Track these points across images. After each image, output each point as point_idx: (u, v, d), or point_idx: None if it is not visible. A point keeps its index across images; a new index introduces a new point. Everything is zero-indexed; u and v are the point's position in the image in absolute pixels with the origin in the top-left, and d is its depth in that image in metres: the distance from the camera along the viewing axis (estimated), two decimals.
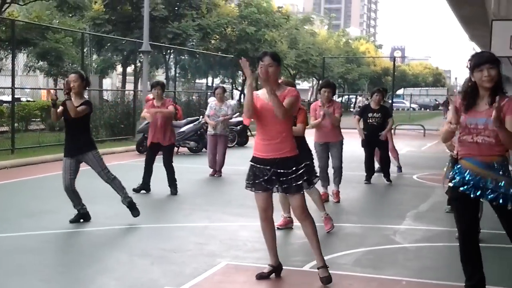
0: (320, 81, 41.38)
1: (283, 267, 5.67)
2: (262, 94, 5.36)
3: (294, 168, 5.26)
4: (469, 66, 4.67)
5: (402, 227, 7.94)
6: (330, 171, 9.63)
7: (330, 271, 5.41)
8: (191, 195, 10.04)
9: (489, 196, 4.56)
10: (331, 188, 9.63)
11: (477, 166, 4.60)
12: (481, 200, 4.72)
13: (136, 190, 9.85)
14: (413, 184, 12.12)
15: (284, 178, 5.26)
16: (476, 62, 4.60)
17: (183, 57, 38.30)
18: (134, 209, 7.79)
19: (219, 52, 35.49)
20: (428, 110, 72.38)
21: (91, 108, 7.63)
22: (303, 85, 71.33)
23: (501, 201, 4.52)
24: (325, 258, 6.06)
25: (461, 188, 4.63)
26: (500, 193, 4.52)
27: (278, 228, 6.68)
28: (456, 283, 5.27)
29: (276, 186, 5.32)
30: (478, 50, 45.99)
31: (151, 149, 10.22)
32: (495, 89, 4.59)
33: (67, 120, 7.54)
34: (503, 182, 4.53)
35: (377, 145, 11.87)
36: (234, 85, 45.37)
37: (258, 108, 5.29)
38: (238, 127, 18.56)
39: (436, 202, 9.83)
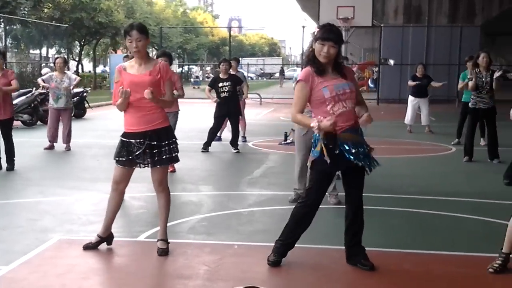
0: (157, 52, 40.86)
1: (121, 238, 5.68)
2: (130, 68, 5.30)
3: (166, 142, 5.31)
4: (315, 34, 4.86)
5: (236, 193, 8.20)
6: None
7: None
8: (24, 170, 9.66)
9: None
10: None
11: (351, 134, 4.81)
12: None
13: None
14: (248, 151, 12.47)
15: (156, 151, 5.26)
16: (321, 36, 4.78)
17: (14, 27, 36.35)
18: None
19: (53, 21, 34.04)
20: (264, 79, 74.22)
21: None
22: None
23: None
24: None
25: (351, 158, 4.80)
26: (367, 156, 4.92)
27: None
28: None
29: (148, 159, 5.29)
30: (310, 20, 47.76)
31: None
32: (337, 65, 4.86)
33: None
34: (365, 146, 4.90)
35: (228, 116, 12.06)
36: (71, 55, 43.85)
37: (127, 83, 5.21)
38: (75, 99, 18.03)
39: (269, 168, 10.23)
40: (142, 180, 8.89)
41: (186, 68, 63.67)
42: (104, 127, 16.47)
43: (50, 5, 36.09)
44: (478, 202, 7.72)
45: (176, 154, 5.43)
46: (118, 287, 4.73)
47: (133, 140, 5.26)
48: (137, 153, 5.26)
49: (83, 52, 49.86)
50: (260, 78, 75.69)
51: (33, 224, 6.40)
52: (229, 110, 11.95)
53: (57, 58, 12.67)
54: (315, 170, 4.97)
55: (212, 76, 13.87)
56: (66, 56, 35.97)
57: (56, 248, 5.60)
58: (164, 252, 5.36)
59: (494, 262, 4.99)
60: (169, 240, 5.54)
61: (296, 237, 5.14)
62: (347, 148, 4.77)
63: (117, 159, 5.35)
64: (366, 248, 5.11)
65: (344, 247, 5.15)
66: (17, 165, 9.73)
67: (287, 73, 64.03)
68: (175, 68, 63.05)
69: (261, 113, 22.68)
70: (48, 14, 35.93)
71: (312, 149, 4.91)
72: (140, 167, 5.39)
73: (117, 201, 5.52)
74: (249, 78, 62.45)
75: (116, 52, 47.58)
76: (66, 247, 5.61)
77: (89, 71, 51.48)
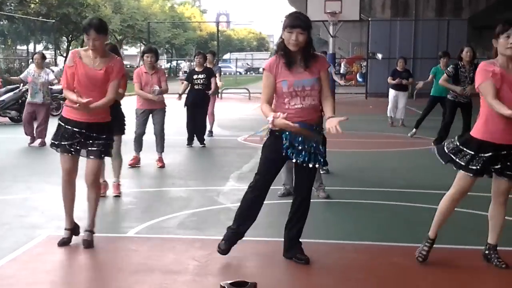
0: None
1: (110, 234, 5.69)
2: (85, 57, 5.28)
3: (104, 136, 5.33)
4: (283, 24, 4.80)
5: (225, 188, 8.19)
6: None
7: (155, 235, 5.50)
8: (11, 167, 9.62)
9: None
10: (148, 154, 9.69)
11: (302, 128, 4.77)
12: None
13: None
14: (237, 146, 12.48)
15: (91, 142, 5.28)
16: (289, 24, 4.73)
17: (1, 23, 36.13)
18: None
19: (40, 17, 33.86)
20: (253, 73, 74.16)
21: None
22: (130, 50, 70.06)
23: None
24: (151, 223, 6.20)
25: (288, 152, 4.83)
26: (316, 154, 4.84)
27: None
28: (273, 238, 5.65)
29: (83, 149, 5.30)
30: None
31: None
32: (306, 53, 4.79)
33: None
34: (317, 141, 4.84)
35: (195, 107, 12.00)
36: (58, 51, 43.62)
37: (80, 75, 5.21)
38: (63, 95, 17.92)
39: (258, 163, 10.21)
40: (130, 176, 8.92)
41: (174, 63, 63.50)
42: None
43: (37, 0, 35.93)
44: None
45: (110, 149, 5.48)
46: (107, 283, 4.71)
47: (72, 128, 5.26)
48: (73, 141, 5.27)
49: (70, 48, 49.58)
50: (248, 73, 75.59)
51: (21, 220, 6.37)
52: (195, 101, 11.91)
53: (35, 53, 12.65)
54: (263, 154, 5.05)
55: (215, 68, 13.80)
56: (54, 52, 35.94)
57: (44, 245, 5.57)
58: (88, 244, 5.38)
59: (421, 250, 5.02)
60: (158, 236, 5.55)
61: (247, 225, 5.12)
62: (292, 141, 4.78)
63: (53, 141, 5.36)
64: (359, 242, 5.13)
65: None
66: (3, 162, 9.68)
67: None
68: (164, 63, 62.99)
69: (249, 108, 22.68)
70: (35, 10, 35.76)
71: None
72: (72, 153, 5.35)
73: (71, 193, 5.53)
74: (238, 73, 62.50)
75: None
76: (55, 244, 5.56)
77: None
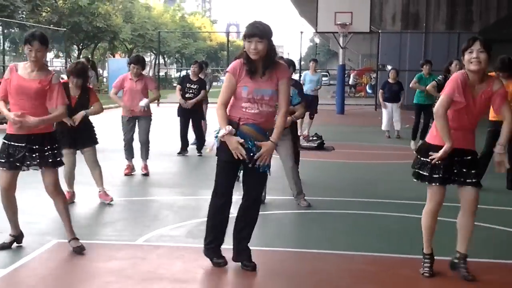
0: (157, 56, 40.68)
1: (119, 242, 5.73)
2: (22, 69, 5.33)
3: (48, 146, 5.34)
4: (243, 35, 4.88)
5: (234, 197, 8.10)
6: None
7: (163, 243, 5.50)
8: (21, 173, 9.60)
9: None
10: (157, 163, 9.70)
11: (253, 130, 4.84)
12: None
13: None
14: None
15: (38, 154, 5.29)
16: (247, 33, 4.80)
17: (12, 30, 36.40)
18: None
19: (51, 25, 34.07)
20: None
21: None
22: None
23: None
24: (159, 231, 6.19)
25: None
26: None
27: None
28: (281, 248, 5.61)
29: (28, 163, 5.32)
30: (308, 26, 47.78)
31: None
32: (266, 61, 4.82)
33: None
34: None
35: (191, 117, 12.02)
36: (69, 59, 43.85)
37: (15, 84, 5.25)
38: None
39: None
40: (138, 184, 8.93)
41: (184, 72, 63.61)
42: (100, 129, 16.40)
43: (48, 9, 36.18)
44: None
45: (60, 159, 5.49)
46: None
47: (14, 143, 5.28)
48: (17, 156, 5.28)
49: (81, 56, 49.85)
50: None
51: (30, 227, 6.37)
52: (191, 112, 11.90)
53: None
54: (219, 159, 5.05)
55: (206, 78, 13.79)
56: (65, 60, 36.12)
57: (53, 251, 5.59)
58: (80, 249, 5.43)
59: (423, 266, 5.03)
60: (167, 244, 5.53)
61: (219, 231, 5.16)
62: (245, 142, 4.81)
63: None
64: (368, 253, 5.12)
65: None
66: None
67: None
68: (173, 72, 63.18)
69: None
70: (46, 18, 36.02)
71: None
72: (23, 170, 5.42)
73: (12, 207, 5.60)
74: None
75: (114, 56, 47.69)
76: (64, 251, 5.58)
77: None
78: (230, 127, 4.75)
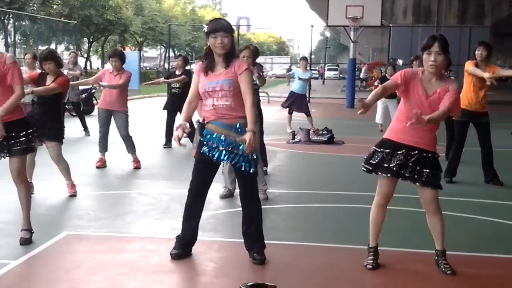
0: (167, 49, 40.64)
1: (129, 234, 5.76)
2: None
3: (24, 132, 5.34)
4: (206, 31, 4.95)
5: None
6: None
7: (173, 236, 5.49)
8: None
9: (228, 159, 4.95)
10: (167, 156, 9.69)
11: (220, 127, 4.92)
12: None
13: None
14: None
15: (13, 141, 5.29)
16: (211, 29, 4.88)
17: (23, 23, 36.52)
18: None
19: (62, 18, 34.15)
20: (272, 78, 74.05)
21: None
22: (151, 52, 70.32)
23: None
24: (170, 224, 6.21)
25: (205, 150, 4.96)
26: (239, 155, 4.91)
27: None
28: (294, 242, 5.64)
29: (5, 150, 5.31)
30: (319, 19, 47.65)
31: None
32: (228, 55, 4.91)
33: None
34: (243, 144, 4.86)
35: (180, 110, 12.02)
36: (79, 52, 43.95)
37: None
38: (84, 95, 18.09)
39: (277, 166, 10.22)
40: (150, 177, 8.95)
41: (194, 65, 63.67)
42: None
43: (59, 1, 36.30)
44: (483, 202, 7.69)
45: (32, 145, 5.47)
46: (126, 283, 4.73)
47: None
48: None
49: (91, 49, 49.99)
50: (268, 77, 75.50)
51: (41, 219, 6.40)
52: (175, 107, 11.90)
53: (26, 54, 12.65)
54: (195, 159, 5.17)
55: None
56: (67, 53, 36.18)
57: (64, 243, 5.61)
58: (27, 242, 5.45)
59: (367, 259, 5.07)
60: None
61: (193, 229, 5.26)
62: (210, 141, 4.92)
63: None
64: (379, 248, 5.12)
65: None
66: None
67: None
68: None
69: (270, 111, 22.63)
70: (57, 11, 36.12)
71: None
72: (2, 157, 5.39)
73: None
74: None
75: (124, 49, 47.65)
76: (74, 243, 5.62)
77: (97, 68, 51.63)
78: (185, 123, 4.96)
